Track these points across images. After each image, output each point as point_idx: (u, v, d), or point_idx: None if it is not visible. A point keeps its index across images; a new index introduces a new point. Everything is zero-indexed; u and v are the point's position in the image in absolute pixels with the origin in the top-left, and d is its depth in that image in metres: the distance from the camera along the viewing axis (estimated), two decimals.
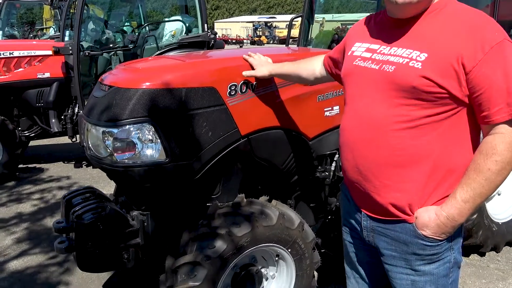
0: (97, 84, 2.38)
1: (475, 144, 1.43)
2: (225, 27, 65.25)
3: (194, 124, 2.13)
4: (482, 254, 3.49)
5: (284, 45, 3.51)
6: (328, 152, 2.70)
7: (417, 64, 1.34)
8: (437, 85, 1.32)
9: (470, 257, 3.48)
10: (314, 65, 2.04)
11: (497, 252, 3.52)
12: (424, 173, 1.41)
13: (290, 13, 66.78)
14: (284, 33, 45.71)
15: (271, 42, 50.25)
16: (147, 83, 2.09)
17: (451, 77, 1.31)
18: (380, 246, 1.58)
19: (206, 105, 2.16)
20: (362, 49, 1.56)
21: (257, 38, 49.39)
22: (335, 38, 3.14)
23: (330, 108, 2.64)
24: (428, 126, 1.38)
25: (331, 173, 2.71)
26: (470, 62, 1.29)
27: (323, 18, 4.24)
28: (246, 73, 2.23)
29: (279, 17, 59.69)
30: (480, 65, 1.29)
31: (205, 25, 5.54)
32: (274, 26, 54.40)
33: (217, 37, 5.35)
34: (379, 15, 1.61)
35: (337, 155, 2.70)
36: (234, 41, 47.78)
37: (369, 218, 1.58)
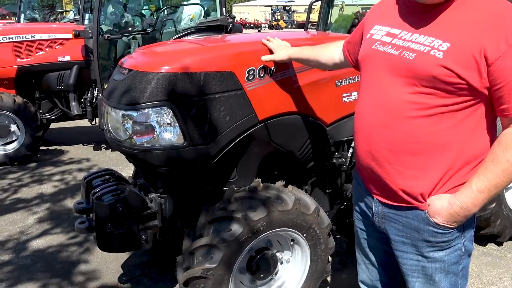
0: (116, 68, 2.41)
1: (492, 135, 1.42)
2: (243, 11, 64.80)
3: (212, 109, 2.15)
4: (500, 244, 3.45)
5: (303, 30, 3.47)
6: (346, 139, 2.68)
7: (438, 54, 1.32)
8: (457, 75, 1.31)
9: (487, 246, 3.44)
10: (333, 51, 2.00)
11: None
12: (439, 162, 1.41)
13: None
14: (303, 17, 45.09)
15: (290, 26, 49.71)
16: (166, 67, 2.10)
17: (472, 68, 1.30)
18: (391, 232, 1.58)
19: (224, 90, 2.17)
20: (382, 33, 1.52)
21: (275, 23, 48.92)
22: (355, 23, 3.09)
23: (348, 94, 2.62)
24: (445, 115, 1.37)
25: (348, 160, 2.70)
26: (493, 54, 1.27)
27: (343, 2, 4.18)
28: (265, 57, 2.21)
29: (298, 1, 58.81)
30: (503, 58, 1.26)
31: (223, 9, 5.51)
32: (292, 10, 53.75)
33: (235, 21, 5.32)
34: None
35: (354, 142, 2.68)
36: (252, 25, 47.40)
37: (381, 204, 1.58)
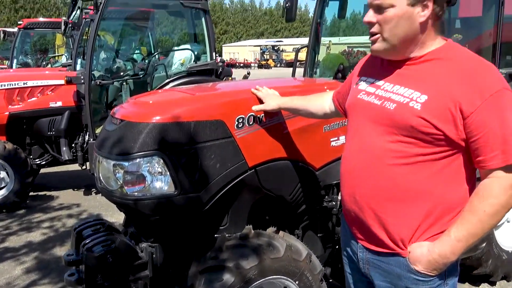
0: (108, 117, 2.44)
1: (471, 185, 1.48)
2: (233, 51, 66.28)
3: (203, 157, 2.17)
4: (493, 284, 3.44)
5: (291, 76, 3.57)
6: (335, 182, 2.71)
7: (417, 105, 1.40)
8: (434, 127, 1.37)
9: (480, 286, 3.43)
10: (323, 101, 2.08)
11: (508, 281, 3.47)
12: (420, 210, 1.46)
13: (297, 37, 67.66)
14: (291, 56, 46.21)
15: (279, 65, 50.82)
16: (157, 117, 2.15)
17: (448, 121, 1.37)
18: (375, 278, 1.61)
19: (214, 138, 2.21)
20: (367, 84, 1.63)
21: (265, 62, 50.06)
22: (340, 68, 3.19)
23: (336, 138, 2.67)
24: (425, 164, 1.43)
25: (338, 203, 2.72)
26: (468, 108, 1.34)
27: (330, 41, 4.32)
28: (256, 107, 2.28)
29: (286, 41, 60.52)
30: (478, 112, 1.33)
31: (213, 53, 5.66)
32: (281, 49, 55.16)
33: (225, 61, 5.45)
34: None
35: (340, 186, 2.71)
36: (242, 64, 48.40)
37: (365, 249, 1.62)
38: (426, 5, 1.39)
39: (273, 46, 55.91)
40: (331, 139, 2.66)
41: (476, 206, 1.37)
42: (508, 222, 3.52)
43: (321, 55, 4.07)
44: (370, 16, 1.48)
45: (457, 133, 1.37)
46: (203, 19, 5.61)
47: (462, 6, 3.66)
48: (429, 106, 1.38)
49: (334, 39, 4.67)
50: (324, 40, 4.08)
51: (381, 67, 1.62)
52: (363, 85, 1.64)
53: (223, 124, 2.22)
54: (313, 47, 3.55)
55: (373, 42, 1.50)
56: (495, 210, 1.35)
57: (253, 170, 2.33)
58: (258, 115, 2.32)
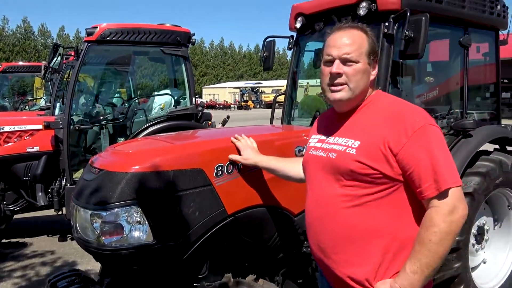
0: (87, 166, 2.45)
1: (420, 216, 1.55)
2: (213, 92, 67.09)
3: (182, 205, 2.19)
4: None
5: (269, 120, 3.66)
6: None
7: (352, 151, 1.58)
8: (369, 167, 1.53)
9: None
10: (299, 165, 2.12)
11: None
12: (377, 247, 1.56)
13: (276, 79, 69.17)
14: (270, 97, 47.03)
15: (258, 106, 51.51)
16: (136, 167, 2.16)
17: (380, 160, 1.52)
18: None
19: (193, 186, 2.23)
20: (315, 140, 1.83)
21: (244, 103, 50.70)
22: (316, 115, 3.30)
23: None
24: (372, 203, 1.55)
25: None
26: (396, 146, 1.50)
27: (307, 83, 4.45)
28: (233, 157, 2.33)
29: (265, 83, 61.72)
30: (405, 148, 1.49)
31: (193, 98, 5.75)
32: (260, 91, 56.13)
33: (206, 102, 5.52)
34: (331, 110, 1.86)
35: None
36: (221, 106, 48.87)
37: None
38: (374, 66, 1.69)
39: (252, 88, 56.88)
40: None
41: (423, 236, 1.46)
42: (484, 263, 3.58)
43: (300, 97, 4.19)
44: (339, 67, 1.62)
45: (392, 170, 1.52)
46: (183, 65, 5.73)
47: (432, 50, 3.87)
48: (362, 149, 1.55)
49: (312, 81, 4.82)
50: (302, 82, 4.22)
51: (326, 124, 1.83)
52: (312, 142, 1.84)
53: (202, 172, 2.26)
54: (290, 94, 3.66)
55: (336, 91, 1.64)
56: (440, 238, 1.43)
57: (232, 217, 2.35)
58: (237, 163, 2.36)
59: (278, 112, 3.89)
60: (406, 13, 2.58)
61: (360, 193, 1.57)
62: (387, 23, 2.77)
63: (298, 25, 3.38)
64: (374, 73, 1.69)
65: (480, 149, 3.29)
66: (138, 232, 2.13)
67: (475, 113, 3.73)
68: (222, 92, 65.49)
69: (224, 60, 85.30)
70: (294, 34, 3.58)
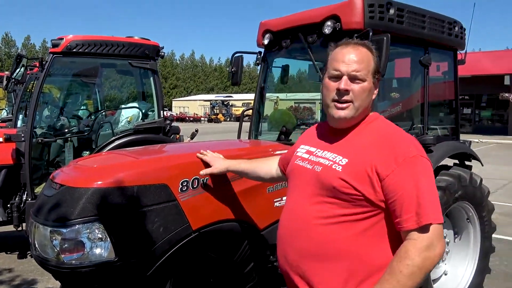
0: (48, 182, 2.38)
1: (395, 246, 1.50)
2: (183, 105, 66.75)
3: (145, 221, 2.15)
4: None
5: (236, 139, 3.67)
6: None
7: (338, 168, 1.54)
8: (353, 188, 1.49)
9: None
10: (271, 165, 2.18)
11: None
12: (346, 270, 1.52)
13: (246, 92, 69.57)
14: (240, 111, 47.21)
15: (228, 119, 51.58)
16: (98, 182, 2.12)
17: (365, 182, 1.49)
18: None
19: (157, 202, 2.21)
20: (303, 151, 1.78)
21: (214, 116, 50.65)
22: (283, 130, 3.33)
23: (279, 199, 2.75)
24: (347, 224, 1.51)
25: None
26: (384, 171, 1.47)
27: (277, 97, 4.50)
28: (204, 171, 2.31)
29: (236, 96, 61.95)
30: (393, 174, 1.46)
31: (161, 111, 5.70)
32: (230, 104, 56.27)
33: (175, 115, 5.47)
34: (325, 122, 1.80)
35: None
36: (191, 119, 48.61)
37: None
38: (376, 86, 1.66)
39: (223, 101, 56.95)
40: (275, 200, 2.73)
41: (394, 267, 1.40)
42: (445, 274, 3.67)
43: (269, 110, 4.23)
44: (348, 84, 1.58)
45: (375, 194, 1.48)
46: (151, 78, 5.69)
47: (397, 67, 4.00)
48: (348, 168, 1.52)
49: (282, 95, 4.86)
50: (272, 95, 4.26)
51: (317, 136, 1.80)
52: (300, 152, 1.79)
53: (167, 187, 2.24)
54: (258, 109, 3.69)
55: (342, 109, 1.59)
56: (411, 271, 1.38)
57: (197, 233, 2.33)
58: (203, 178, 2.36)
59: (247, 125, 3.91)
60: (368, 33, 2.66)
61: (337, 212, 1.53)
62: None
63: (266, 41, 3.43)
64: (375, 92, 1.66)
65: (440, 164, 3.40)
66: (100, 249, 2.09)
67: (438, 128, 3.86)
68: (192, 105, 65.26)
69: (195, 73, 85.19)
70: (262, 50, 3.63)
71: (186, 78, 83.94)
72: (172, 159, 2.53)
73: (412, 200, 1.43)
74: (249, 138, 3.57)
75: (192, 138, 6.47)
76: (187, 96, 76.88)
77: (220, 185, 2.44)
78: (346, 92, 1.58)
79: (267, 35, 3.42)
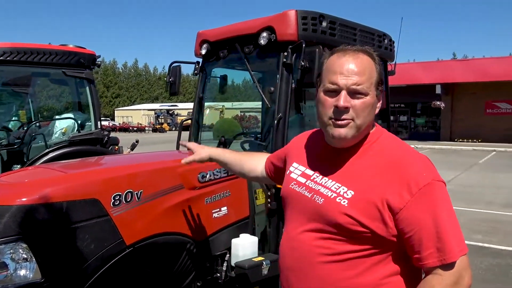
0: None
1: (410, 281, 1.36)
2: (126, 114, 64.98)
3: (75, 238, 2.06)
4: None
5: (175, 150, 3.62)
6: (219, 253, 2.74)
7: (344, 201, 1.33)
8: (360, 224, 1.30)
9: None
10: (257, 162, 1.97)
11: None
12: None
13: (191, 101, 68.80)
14: (187, 120, 46.65)
15: (173, 129, 50.85)
16: (23, 199, 2.01)
17: (375, 218, 1.29)
18: None
19: (88, 218, 2.12)
20: (298, 172, 1.56)
21: (159, 126, 49.73)
22: (222, 141, 3.33)
23: (218, 210, 2.74)
24: (355, 261, 1.33)
25: (223, 274, 2.73)
26: (397, 204, 1.27)
27: (223, 106, 4.49)
28: (186, 160, 2.02)
29: (181, 105, 61.25)
30: (408, 207, 1.26)
31: (99, 122, 5.52)
32: (176, 113, 55.54)
33: (118, 125, 5.29)
34: (320, 135, 1.56)
35: (227, 255, 2.75)
36: (135, 129, 47.38)
37: None
38: (379, 97, 1.43)
39: (167, 110, 56.09)
40: (213, 211, 2.71)
41: None
42: None
43: (215, 119, 4.21)
44: (346, 101, 1.35)
45: (386, 230, 1.29)
46: (87, 88, 5.49)
47: None
48: (355, 202, 1.31)
49: (228, 104, 4.87)
50: (218, 105, 4.24)
51: (312, 154, 1.57)
52: (294, 174, 1.57)
53: (97, 202, 2.15)
54: (197, 119, 3.66)
55: (341, 127, 1.37)
56: None
57: (132, 248, 2.27)
58: (137, 191, 2.30)
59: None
60: (301, 45, 2.74)
61: (343, 249, 1.34)
62: (285, 53, 2.91)
63: (203, 51, 3.43)
64: (379, 105, 1.44)
65: None
66: (25, 270, 1.96)
67: None
68: (136, 114, 63.71)
69: (139, 82, 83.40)
70: (200, 60, 3.62)
71: (130, 87, 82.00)
72: (103, 173, 2.44)
73: (431, 235, 1.25)
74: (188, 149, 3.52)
75: (132, 149, 6.31)
76: (131, 105, 74.99)
77: (155, 198, 2.38)
78: (346, 109, 1.35)
79: (205, 45, 3.41)
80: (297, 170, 1.57)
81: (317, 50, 2.66)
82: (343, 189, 1.36)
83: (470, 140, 25.55)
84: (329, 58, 1.43)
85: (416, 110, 28.93)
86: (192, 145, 2.10)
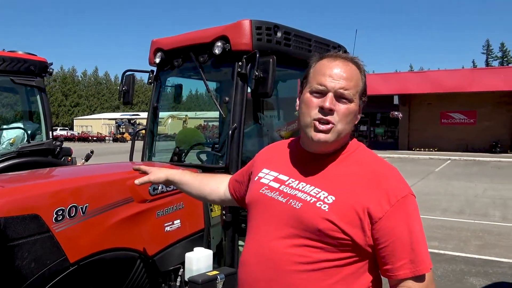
0: None
1: None
2: (86, 124, 63.24)
3: (13, 257, 1.93)
4: None
5: (128, 161, 3.50)
6: (172, 268, 2.65)
7: (324, 206, 1.30)
8: (341, 231, 1.28)
9: None
10: (219, 183, 1.85)
11: None
12: None
13: None
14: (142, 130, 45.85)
15: (136, 138, 49.78)
16: None
17: (355, 224, 1.28)
18: None
19: (27, 234, 1.99)
20: (270, 177, 1.49)
21: (120, 135, 48.62)
22: (176, 151, 3.25)
23: (170, 223, 2.65)
24: (331, 270, 1.31)
25: None
26: (376, 213, 1.27)
27: (186, 115, 4.40)
28: (139, 180, 1.84)
29: (143, 114, 60.21)
30: (386, 218, 1.27)
31: (50, 132, 5.28)
32: (138, 123, 54.50)
33: (77, 134, 5.07)
34: (293, 143, 1.56)
35: (181, 270, 2.66)
36: (95, 138, 46.08)
37: None
38: (361, 108, 1.44)
39: (129, 120, 54.95)
40: (165, 224, 2.62)
41: None
42: None
43: (178, 129, 4.11)
44: (333, 103, 1.35)
45: (364, 239, 1.29)
46: (38, 97, 5.25)
47: (288, 86, 4.12)
48: (337, 208, 1.29)
49: (191, 114, 4.78)
50: (181, 114, 4.15)
51: (285, 160, 1.51)
52: (266, 179, 1.49)
53: (38, 218, 2.03)
54: (151, 129, 3.56)
55: (322, 132, 1.35)
56: None
57: (76, 265, 2.15)
58: (82, 206, 2.18)
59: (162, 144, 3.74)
60: (255, 55, 2.72)
61: (317, 257, 1.30)
62: (240, 63, 2.88)
63: (158, 60, 3.35)
64: (359, 116, 1.44)
65: None
66: None
67: None
68: (96, 123, 62.10)
69: (99, 90, 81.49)
70: (155, 68, 3.53)
71: (89, 96, 79.97)
72: (45, 186, 2.29)
73: (405, 246, 1.27)
74: (142, 159, 3.42)
75: (87, 160, 6.08)
76: (91, 114, 73.07)
77: (102, 212, 2.27)
78: (331, 111, 1.35)
79: (159, 54, 3.34)
80: (269, 176, 1.50)
81: (271, 60, 2.65)
82: (323, 194, 1.33)
83: (426, 149, 26.50)
84: (319, 62, 1.43)
85: (375, 120, 29.71)
86: (147, 168, 1.93)
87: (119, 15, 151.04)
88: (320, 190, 1.34)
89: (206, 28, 3.11)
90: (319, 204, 1.31)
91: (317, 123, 1.36)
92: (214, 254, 2.71)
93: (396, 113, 24.47)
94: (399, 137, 28.29)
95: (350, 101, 1.37)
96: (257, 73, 2.67)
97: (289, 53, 3.12)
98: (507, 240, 6.81)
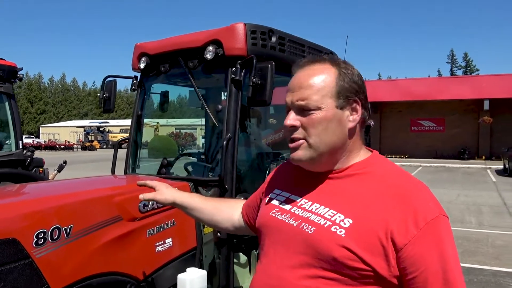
0: None
1: None
2: (53, 131, 61.44)
3: None
4: None
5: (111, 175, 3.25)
6: None
7: (340, 231, 1.13)
8: (361, 260, 1.10)
9: None
10: (233, 210, 1.64)
11: None
12: None
13: (124, 118, 66.82)
14: (119, 137, 44.98)
15: (105, 146, 48.83)
16: None
17: (378, 253, 1.10)
18: None
19: (4, 261, 1.75)
20: (282, 199, 1.34)
21: (89, 143, 47.45)
22: (164, 163, 3.04)
23: (162, 242, 2.44)
24: None
25: None
26: (402, 239, 1.09)
27: (157, 123, 4.20)
28: (144, 196, 1.61)
29: (113, 122, 59.15)
30: (413, 243, 1.09)
31: (20, 141, 4.95)
32: (107, 130, 53.41)
33: (43, 142, 4.75)
34: None
35: None
36: (62, 146, 44.69)
37: None
38: (355, 108, 1.24)
39: (98, 127, 53.75)
40: (156, 244, 2.41)
41: None
42: None
43: (150, 137, 3.90)
44: (292, 118, 1.23)
45: (388, 269, 1.10)
46: (6, 104, 4.91)
47: (275, 94, 4.00)
48: (355, 233, 1.11)
49: (162, 121, 4.57)
50: (152, 121, 3.95)
51: (297, 178, 1.35)
52: (276, 200, 1.35)
53: (16, 242, 1.78)
54: (135, 139, 3.33)
55: (294, 149, 1.24)
56: None
57: None
58: (66, 227, 1.94)
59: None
60: (252, 60, 2.55)
61: None
62: (234, 69, 2.71)
63: (142, 65, 3.13)
64: (353, 118, 1.24)
65: None
66: None
67: None
68: (63, 131, 60.40)
69: (66, 97, 79.47)
70: (138, 74, 3.31)
71: (56, 103, 77.85)
72: (23, 206, 2.02)
73: (437, 277, 1.09)
74: (125, 172, 3.17)
75: (59, 170, 5.75)
76: (58, 122, 71.05)
77: (87, 233, 2.04)
78: (293, 128, 1.23)
79: (143, 59, 3.12)
80: (280, 197, 1.35)
81: (269, 66, 2.49)
82: (339, 216, 1.15)
83: (398, 156, 27.00)
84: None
85: None
86: (154, 183, 1.68)
87: (88, 24, 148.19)
88: (335, 212, 1.17)
89: (196, 32, 2.93)
90: (334, 228, 1.14)
91: (289, 142, 1.26)
92: (207, 274, 2.51)
93: (368, 120, 24.83)
94: (370, 144, 28.65)
95: (315, 109, 1.21)
96: (254, 80, 2.50)
97: (284, 59, 2.97)
98: (486, 247, 6.87)
